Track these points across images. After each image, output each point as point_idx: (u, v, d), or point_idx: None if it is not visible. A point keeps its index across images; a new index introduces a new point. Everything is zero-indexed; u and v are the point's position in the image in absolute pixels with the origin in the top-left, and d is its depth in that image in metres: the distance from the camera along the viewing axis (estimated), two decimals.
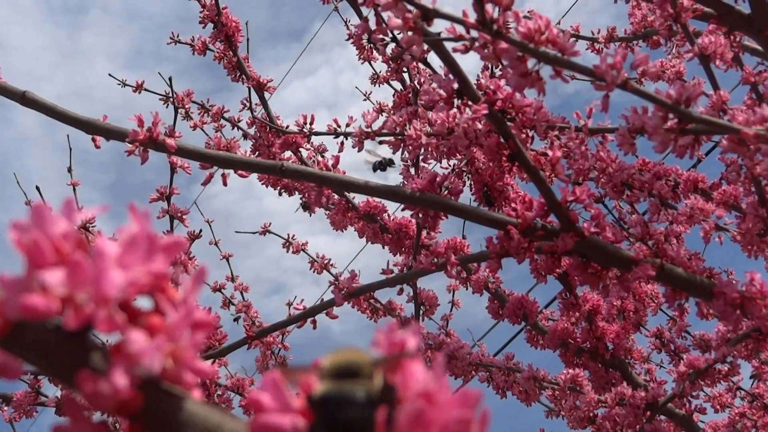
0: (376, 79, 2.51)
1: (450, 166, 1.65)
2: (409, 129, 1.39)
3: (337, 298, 1.56)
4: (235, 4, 2.33)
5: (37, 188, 2.50)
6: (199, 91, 2.54)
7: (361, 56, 2.35)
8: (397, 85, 2.17)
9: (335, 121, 1.78)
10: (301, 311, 1.85)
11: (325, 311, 1.84)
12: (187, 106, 2.44)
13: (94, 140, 1.46)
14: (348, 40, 2.58)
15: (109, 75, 2.73)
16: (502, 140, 1.25)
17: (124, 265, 0.33)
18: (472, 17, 1.04)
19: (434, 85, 1.26)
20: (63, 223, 0.34)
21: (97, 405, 0.32)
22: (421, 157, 1.59)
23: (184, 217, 2.12)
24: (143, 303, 0.36)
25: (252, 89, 2.37)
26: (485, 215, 1.26)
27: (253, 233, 2.84)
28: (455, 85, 1.22)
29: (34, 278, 0.32)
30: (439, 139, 1.30)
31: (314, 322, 1.92)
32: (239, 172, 1.36)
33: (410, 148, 1.38)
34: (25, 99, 1.37)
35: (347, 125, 1.76)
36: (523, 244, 1.21)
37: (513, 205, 1.52)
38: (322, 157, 2.19)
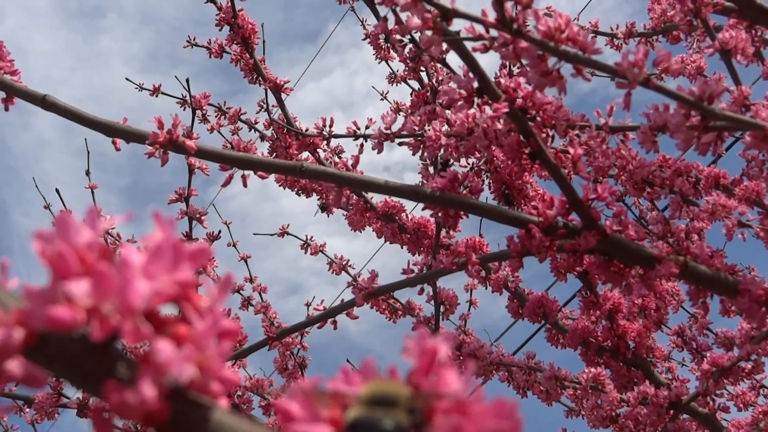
0: (393, 78, 2.51)
1: (468, 164, 1.64)
2: (429, 130, 1.39)
3: (358, 299, 1.55)
4: (248, 6, 2.33)
5: (57, 191, 2.51)
6: (214, 94, 2.55)
7: (378, 56, 2.35)
8: (415, 84, 2.16)
9: (354, 123, 1.77)
10: (322, 312, 1.85)
11: (345, 312, 1.84)
12: (204, 109, 2.44)
13: (114, 143, 1.46)
14: (364, 39, 2.57)
15: (126, 79, 2.74)
16: (522, 139, 1.24)
17: (149, 274, 0.33)
18: (492, 16, 1.03)
19: (453, 84, 1.25)
20: (87, 233, 0.33)
21: (124, 415, 0.32)
22: (440, 157, 1.59)
23: (202, 218, 2.12)
24: (169, 311, 0.35)
25: (269, 91, 2.37)
26: (506, 214, 1.25)
27: (272, 235, 2.84)
28: (475, 84, 1.21)
29: (59, 289, 0.32)
30: (458, 139, 1.29)
31: (334, 322, 1.91)
32: (259, 172, 1.36)
33: (429, 148, 1.38)
34: (45, 103, 1.38)
35: (366, 127, 1.75)
36: (545, 243, 1.20)
37: (533, 203, 1.51)
38: (339, 158, 2.19)
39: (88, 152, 2.60)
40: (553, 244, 1.22)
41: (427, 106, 1.59)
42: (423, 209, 1.31)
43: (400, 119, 1.61)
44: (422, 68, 2.02)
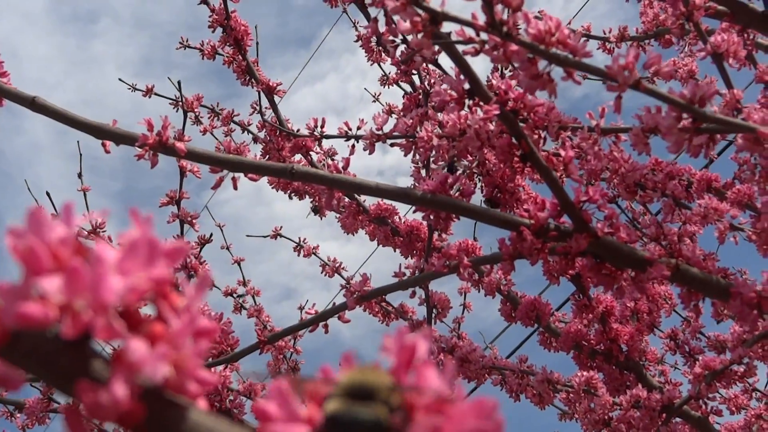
0: (385, 80, 2.51)
1: (461, 167, 1.64)
2: (420, 131, 1.38)
3: (349, 302, 1.55)
4: (242, 10, 2.32)
5: (48, 194, 2.50)
6: (208, 98, 2.55)
7: (370, 58, 2.35)
8: (407, 87, 2.16)
9: (346, 123, 1.77)
10: (314, 315, 1.84)
11: (337, 315, 1.83)
12: (196, 110, 2.44)
13: (104, 145, 1.45)
14: (357, 41, 2.57)
15: (119, 79, 2.74)
16: (514, 140, 1.23)
17: (123, 271, 0.32)
18: (481, 19, 1.02)
19: (445, 86, 1.25)
20: (61, 229, 0.32)
21: (97, 416, 0.31)
22: (432, 159, 1.58)
23: (194, 221, 2.11)
24: (147, 311, 0.35)
25: (262, 93, 2.36)
26: (497, 216, 1.25)
27: (265, 237, 2.83)
28: (466, 86, 1.21)
29: (31, 286, 0.31)
30: (450, 140, 1.28)
31: (326, 326, 1.90)
32: (249, 175, 1.35)
33: (421, 150, 1.37)
34: (34, 104, 1.37)
35: (358, 128, 1.75)
36: (536, 245, 1.19)
37: (525, 206, 1.51)
38: (332, 160, 2.18)
39: (81, 155, 2.58)
40: (545, 246, 1.21)
41: (419, 108, 1.58)
42: (414, 212, 1.31)
43: (392, 121, 1.60)
44: (414, 71, 2.02)
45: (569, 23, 2.46)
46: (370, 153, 1.47)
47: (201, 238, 2.26)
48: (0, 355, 0.33)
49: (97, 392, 0.31)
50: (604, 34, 2.37)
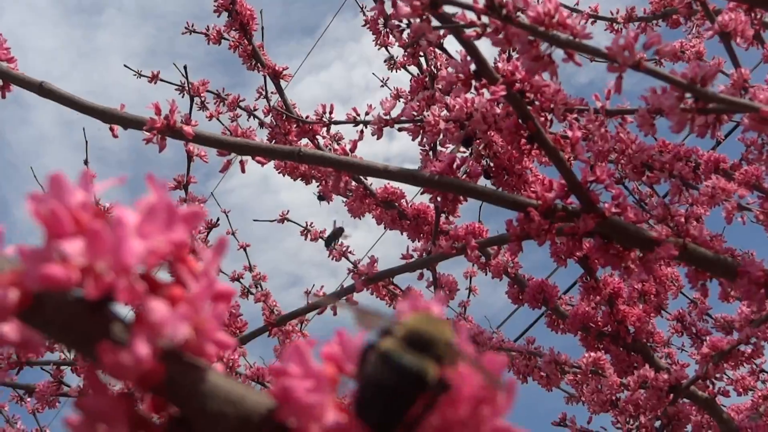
0: (392, 64, 2.50)
1: (468, 150, 1.64)
2: (428, 115, 1.38)
3: (357, 284, 1.55)
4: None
5: None
6: (213, 87, 2.54)
7: (378, 41, 2.34)
8: (414, 70, 2.15)
9: (354, 109, 1.77)
10: (321, 298, 1.85)
11: (345, 297, 1.84)
12: (203, 96, 2.44)
13: (111, 129, 1.45)
14: (364, 26, 2.57)
15: (125, 66, 2.74)
16: (520, 122, 1.23)
17: (143, 234, 0.32)
18: (481, 2, 1.02)
19: (452, 69, 1.25)
20: (80, 194, 0.33)
21: (118, 376, 0.32)
22: (439, 142, 1.58)
23: (201, 205, 2.12)
24: (164, 276, 0.35)
25: (268, 77, 2.37)
26: (505, 197, 1.25)
27: (272, 221, 2.85)
28: (473, 67, 1.21)
29: (53, 249, 0.31)
30: (457, 124, 1.29)
31: (334, 308, 1.91)
32: (257, 158, 1.35)
33: (429, 134, 1.37)
34: (42, 89, 1.37)
35: (366, 113, 1.75)
36: (544, 226, 1.20)
37: (533, 187, 1.51)
38: (338, 144, 2.18)
39: (87, 141, 2.59)
40: (552, 227, 1.22)
41: (425, 91, 1.58)
42: (422, 193, 1.31)
43: (400, 105, 1.60)
44: (421, 54, 2.02)
45: (577, 3, 2.44)
46: (378, 138, 1.47)
47: (208, 222, 2.27)
48: (22, 319, 0.33)
49: (119, 353, 0.31)
50: (612, 14, 2.37)
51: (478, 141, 1.52)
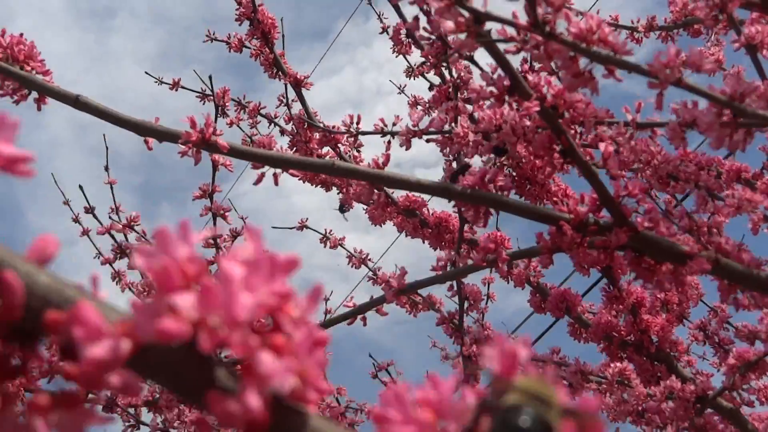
0: (410, 72, 2.51)
1: (489, 160, 1.65)
2: (456, 127, 1.39)
3: (388, 295, 1.56)
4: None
5: (80, 188, 2.53)
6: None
7: (398, 50, 2.35)
8: (433, 78, 2.16)
9: (381, 120, 1.78)
10: (352, 308, 1.86)
11: (375, 308, 1.85)
12: (226, 104, 2.46)
13: (146, 142, 1.47)
14: (382, 33, 2.58)
15: (146, 73, 2.76)
16: (553, 136, 1.24)
17: (250, 287, 0.33)
18: (523, 19, 1.03)
19: (482, 82, 1.26)
20: (186, 247, 0.34)
21: (227, 424, 0.33)
22: (463, 153, 1.59)
23: (226, 214, 2.14)
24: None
25: (288, 85, 2.38)
26: (537, 210, 1.26)
27: (291, 228, 2.85)
28: (506, 82, 1.22)
29: (164, 302, 0.32)
30: (485, 136, 1.29)
31: (364, 318, 1.92)
32: (291, 171, 1.37)
33: (457, 145, 1.38)
34: (78, 103, 1.39)
35: (394, 124, 1.76)
36: (576, 240, 1.21)
37: (555, 198, 1.51)
38: (358, 152, 2.19)
39: (107, 148, 2.61)
40: (584, 240, 1.22)
41: (449, 102, 1.59)
42: (453, 207, 1.32)
43: (427, 117, 1.61)
44: (444, 64, 2.02)
45: (597, 13, 2.45)
46: (407, 149, 1.48)
47: (233, 231, 2.28)
48: (128, 365, 0.34)
49: (228, 402, 0.32)
50: (632, 24, 2.37)
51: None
